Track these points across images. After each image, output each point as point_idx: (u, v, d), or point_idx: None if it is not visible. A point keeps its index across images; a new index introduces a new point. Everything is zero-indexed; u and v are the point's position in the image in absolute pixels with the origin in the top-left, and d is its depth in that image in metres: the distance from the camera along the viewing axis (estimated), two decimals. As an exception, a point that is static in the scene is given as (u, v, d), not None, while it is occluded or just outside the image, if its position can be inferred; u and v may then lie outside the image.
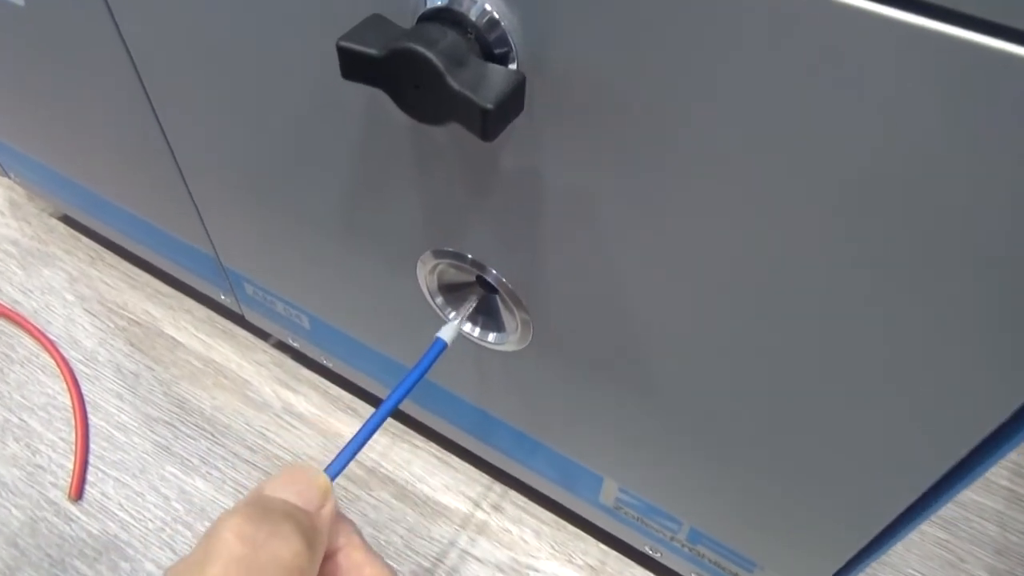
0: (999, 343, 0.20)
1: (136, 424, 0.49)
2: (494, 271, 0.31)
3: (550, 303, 0.30)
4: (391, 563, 0.44)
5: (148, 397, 0.50)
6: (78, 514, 0.45)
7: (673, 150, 0.22)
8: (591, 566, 0.45)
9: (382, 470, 0.48)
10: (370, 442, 0.51)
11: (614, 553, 0.45)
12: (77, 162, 0.48)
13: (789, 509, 0.31)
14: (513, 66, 0.22)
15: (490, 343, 0.34)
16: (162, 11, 0.31)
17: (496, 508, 0.47)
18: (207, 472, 0.47)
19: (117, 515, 0.45)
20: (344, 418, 0.50)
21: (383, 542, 0.45)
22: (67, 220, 0.60)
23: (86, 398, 0.50)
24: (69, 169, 0.50)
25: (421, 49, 0.21)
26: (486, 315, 0.34)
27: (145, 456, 0.48)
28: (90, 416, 0.49)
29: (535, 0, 0.21)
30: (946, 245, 0.19)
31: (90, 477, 0.47)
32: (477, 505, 0.47)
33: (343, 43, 0.22)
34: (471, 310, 0.34)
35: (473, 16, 0.22)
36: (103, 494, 0.46)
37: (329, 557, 0.25)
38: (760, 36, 0.18)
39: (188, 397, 0.51)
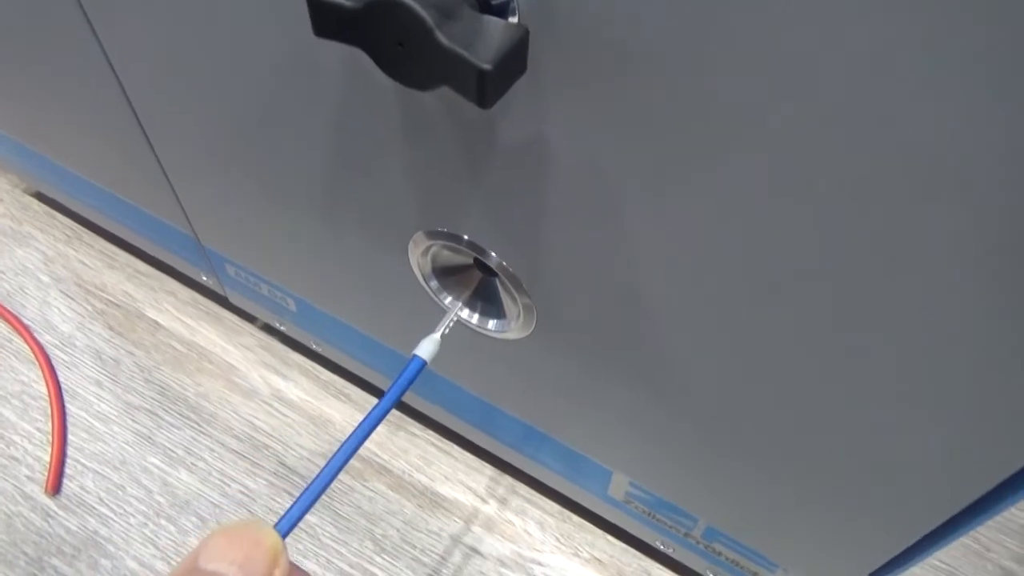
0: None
1: (116, 413, 0.47)
2: (493, 254, 0.28)
3: (555, 288, 0.27)
4: (387, 558, 0.42)
5: (129, 384, 0.48)
6: (56, 509, 0.43)
7: (700, 116, 0.18)
8: (599, 560, 0.42)
9: (378, 459, 0.45)
10: (364, 429, 0.49)
11: (622, 546, 0.43)
12: (42, 134, 0.45)
13: (816, 511, 0.28)
14: (514, 19, 0.19)
15: (491, 331, 0.31)
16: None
17: (498, 499, 0.44)
18: (192, 463, 0.45)
19: (97, 510, 0.43)
20: (336, 404, 0.48)
21: (379, 535, 0.43)
22: (41, 197, 0.57)
23: (63, 386, 0.47)
24: (36, 143, 0.47)
25: (404, -2, 0.17)
26: (485, 301, 0.31)
27: (126, 447, 0.45)
28: (67, 405, 0.47)
29: (539, -62, 0.18)
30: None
31: (68, 470, 0.44)
32: (478, 496, 0.44)
33: (313, -8, 0.19)
34: (457, 318, 0.30)
35: (466, -42, 0.18)
36: (82, 487, 0.44)
37: None
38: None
39: (171, 383, 0.48)
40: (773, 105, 0.17)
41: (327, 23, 0.19)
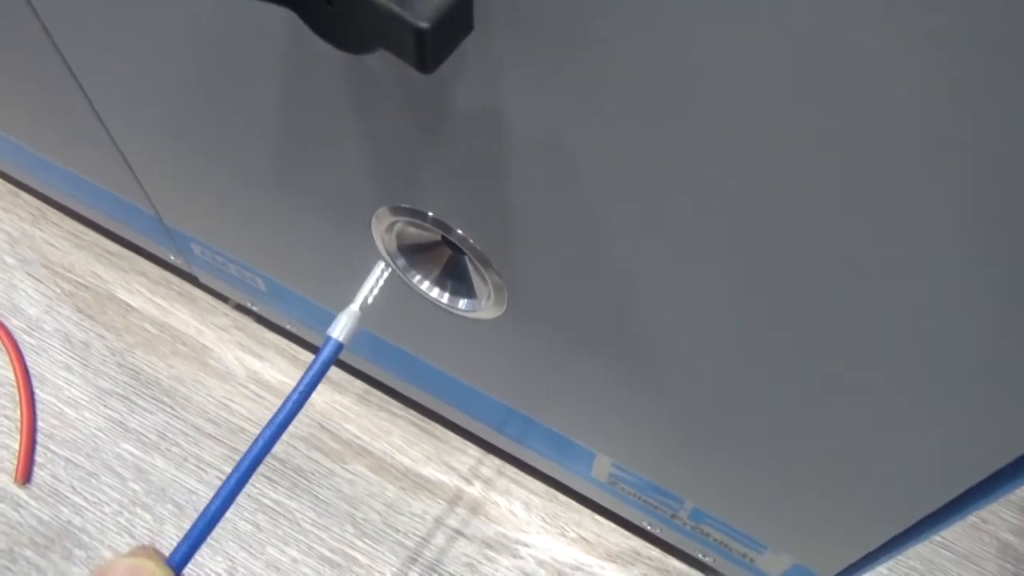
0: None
1: (87, 399, 0.45)
2: (459, 230, 0.26)
3: (524, 265, 0.25)
4: (369, 542, 0.41)
5: (100, 368, 0.46)
6: (27, 499, 0.42)
7: (670, 79, 0.17)
8: (585, 539, 0.41)
9: (358, 441, 0.44)
10: (343, 411, 0.47)
11: (610, 525, 0.42)
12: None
13: (803, 494, 0.27)
14: (457, -30, 0.17)
15: (462, 311, 0.30)
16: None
17: (482, 479, 0.43)
18: (167, 449, 0.44)
19: (69, 499, 0.42)
20: (315, 385, 0.46)
21: (360, 519, 0.42)
22: (4, 175, 0.55)
23: (31, 371, 0.46)
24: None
25: (327, -52, 0.15)
26: (456, 280, 0.30)
27: (98, 433, 0.44)
28: (36, 391, 0.45)
29: None
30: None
31: (38, 458, 0.43)
32: (462, 477, 0.43)
33: (229, -56, 0.17)
34: (381, 284, 0.28)
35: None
36: (54, 476, 0.42)
37: None
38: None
39: (143, 367, 0.46)
40: (737, 67, 0.15)
41: (249, -20, 0.17)
